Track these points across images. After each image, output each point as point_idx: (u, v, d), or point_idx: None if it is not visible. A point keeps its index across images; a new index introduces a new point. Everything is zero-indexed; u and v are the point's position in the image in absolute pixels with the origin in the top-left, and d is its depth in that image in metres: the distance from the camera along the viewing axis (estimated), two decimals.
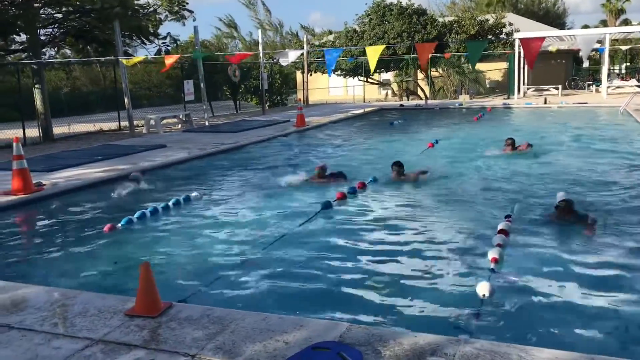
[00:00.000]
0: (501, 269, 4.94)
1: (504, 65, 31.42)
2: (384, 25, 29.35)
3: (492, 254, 5.13)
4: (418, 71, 31.51)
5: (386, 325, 3.91)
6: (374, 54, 12.18)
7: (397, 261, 5.38)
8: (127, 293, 4.28)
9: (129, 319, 3.71)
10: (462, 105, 23.50)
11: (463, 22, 29.79)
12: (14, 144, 8.38)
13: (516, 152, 10.91)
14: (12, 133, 15.63)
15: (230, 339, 3.39)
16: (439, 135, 14.18)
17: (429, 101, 26.70)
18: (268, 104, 28.11)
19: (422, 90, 31.40)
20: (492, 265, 4.96)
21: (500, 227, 5.89)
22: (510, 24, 30.46)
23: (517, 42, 25.61)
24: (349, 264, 5.33)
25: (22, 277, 4.99)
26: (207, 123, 19.24)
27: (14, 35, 16.60)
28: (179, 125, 19.37)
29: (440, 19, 30.85)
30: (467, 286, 4.62)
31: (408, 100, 30.80)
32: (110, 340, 3.43)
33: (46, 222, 7.48)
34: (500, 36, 29.79)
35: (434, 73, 30.89)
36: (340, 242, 6.01)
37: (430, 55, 26.63)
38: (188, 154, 11.91)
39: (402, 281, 4.88)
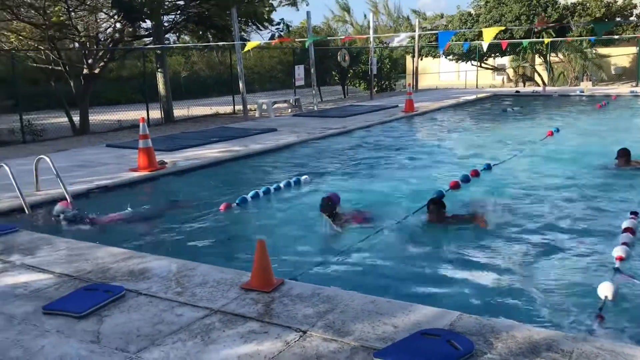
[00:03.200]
0: (626, 269, 4.63)
1: (632, 50, 29.07)
2: (501, 7, 28.15)
3: (618, 252, 4.78)
4: (536, 56, 29.97)
5: (498, 317, 3.80)
6: (488, 35, 11.72)
7: (513, 252, 5.20)
8: (240, 268, 4.48)
9: (244, 292, 3.89)
10: (583, 92, 22.06)
11: (588, 4, 27.86)
12: (141, 124, 8.98)
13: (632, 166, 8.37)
14: (136, 114, 16.77)
15: (339, 318, 3.46)
16: (558, 123, 13.45)
17: (547, 88, 25.32)
18: (376, 89, 28.00)
19: (540, 76, 29.85)
20: (617, 264, 4.64)
21: (625, 225, 5.49)
22: None
23: None
24: (461, 253, 5.23)
25: (147, 248, 5.37)
26: (315, 108, 19.52)
27: (141, 22, 17.67)
28: (289, 110, 19.82)
29: (562, 1, 29.04)
30: (587, 285, 4.37)
31: (524, 86, 29.42)
32: (227, 311, 3.62)
33: (168, 198, 7.98)
34: (630, 18, 27.54)
35: (553, 58, 29.20)
36: (452, 231, 5.90)
37: (550, 39, 25.23)
38: (297, 138, 12.17)
39: (516, 273, 4.72)
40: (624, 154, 8.33)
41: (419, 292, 4.42)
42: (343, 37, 30.99)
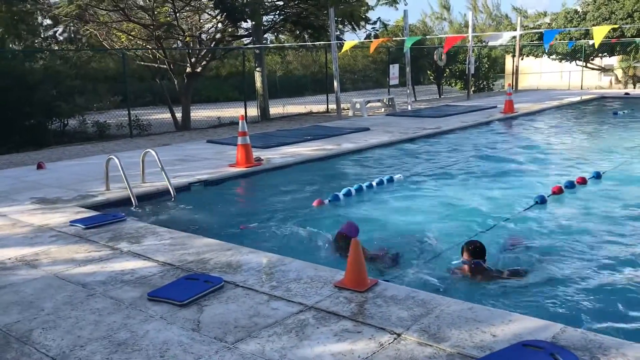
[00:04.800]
0: None
1: None
2: (612, 4, 26.47)
3: None
4: None
5: (606, 332, 3.56)
6: (599, 34, 11.05)
7: (622, 265, 4.87)
8: (331, 264, 4.50)
9: (337, 291, 3.90)
10: None
11: None
12: (240, 122, 9.25)
13: None
14: (234, 111, 17.34)
15: (435, 323, 3.38)
16: None
17: None
18: (473, 89, 27.24)
19: None
20: None
21: None
22: None
23: None
24: (563, 262, 4.97)
25: (242, 241, 5.51)
26: (409, 107, 19.29)
27: (242, 22, 18.25)
28: (382, 109, 19.71)
29: None
30: None
31: (634, 88, 27.54)
32: (321, 308, 3.64)
33: (263, 193, 8.17)
34: None
35: None
36: (554, 238, 5.62)
37: None
38: (390, 138, 12.07)
39: (627, 288, 4.41)
40: None
41: (522, 299, 4.23)
42: (441, 36, 30.39)
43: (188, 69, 17.36)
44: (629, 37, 25.75)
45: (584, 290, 4.38)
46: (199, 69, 17.65)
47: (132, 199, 6.96)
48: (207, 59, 17.98)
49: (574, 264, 4.94)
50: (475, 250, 4.65)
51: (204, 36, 19.13)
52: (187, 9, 17.61)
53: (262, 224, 6.39)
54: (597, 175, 8.01)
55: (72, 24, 18.62)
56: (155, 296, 3.88)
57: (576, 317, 3.92)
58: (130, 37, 17.39)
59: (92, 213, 6.30)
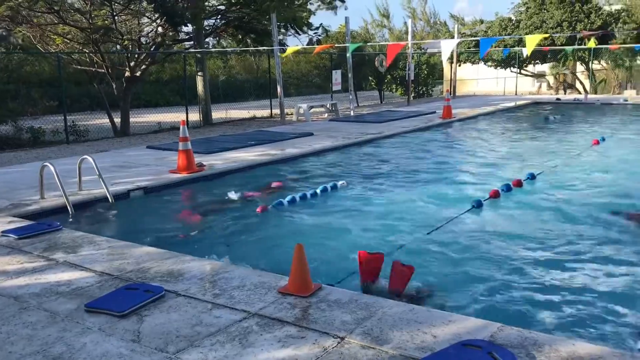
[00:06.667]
0: None
1: None
2: (543, 14, 27.66)
3: None
4: (578, 64, 29.34)
5: (541, 329, 3.70)
6: (531, 42, 11.54)
7: (552, 264, 5.08)
8: (276, 270, 4.49)
9: (282, 296, 3.89)
10: (627, 101, 21.48)
11: (633, 11, 27.14)
12: (181, 127, 9.10)
13: None
14: (175, 116, 17.04)
15: (377, 326, 3.42)
16: (604, 132, 13.13)
17: (589, 96, 24.74)
18: (413, 94, 27.82)
19: (582, 83, 29.20)
20: None
21: None
22: None
23: None
24: (500, 263, 5.13)
25: (183, 249, 5.41)
26: (352, 113, 19.50)
27: (182, 26, 17.99)
28: (326, 115, 19.84)
29: (607, 7, 28.36)
30: (636, 299, 4.23)
31: (565, 94, 28.82)
32: (264, 315, 3.62)
33: (205, 199, 8.06)
34: None
35: (595, 66, 28.55)
36: (490, 240, 5.80)
37: (594, 46, 24.68)
38: (334, 143, 12.16)
39: (559, 285, 4.60)
40: None
41: (461, 300, 4.34)
42: (383, 43, 30.90)
43: (127, 73, 16.94)
44: (559, 45, 26.97)
45: (521, 289, 4.54)
46: (138, 73, 17.26)
47: (68, 207, 6.73)
48: (147, 63, 17.59)
49: (511, 264, 5.11)
50: None
51: (143, 40, 18.73)
52: (126, 12, 17.20)
53: (205, 231, 6.30)
54: (532, 177, 8.34)
55: (3, 26, 17.83)
56: (93, 307, 3.76)
57: (513, 316, 4.05)
58: (66, 40, 16.82)
59: (26, 222, 6.04)
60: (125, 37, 17.34)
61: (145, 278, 4.33)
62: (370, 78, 30.07)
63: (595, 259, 5.19)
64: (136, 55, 17.31)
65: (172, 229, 6.46)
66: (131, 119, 17.10)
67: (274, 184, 8.49)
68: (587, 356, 3.04)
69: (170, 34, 18.58)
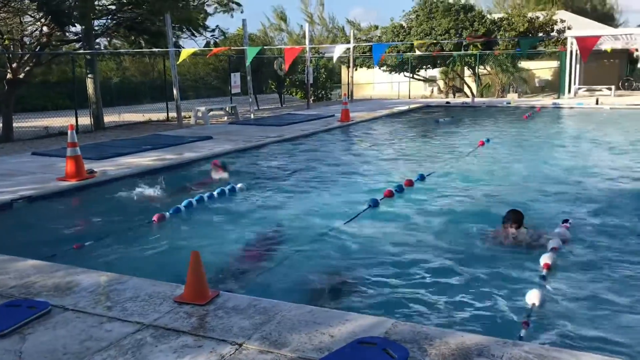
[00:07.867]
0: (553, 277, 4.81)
1: (554, 64, 30.64)
2: (431, 21, 29.03)
3: (545, 259, 4.97)
4: (465, 68, 31.06)
5: (432, 324, 3.87)
6: (419, 43, 12.15)
7: (443, 261, 5.32)
8: (175, 280, 4.36)
9: (178, 306, 3.79)
10: (510, 103, 23.04)
11: (512, 19, 29.18)
12: (69, 132, 8.64)
13: None
14: (65, 121, 16.14)
15: (276, 330, 3.43)
16: (489, 133, 13.98)
17: (476, 99, 26.27)
18: (312, 98, 28.18)
19: (469, 87, 30.93)
20: (543, 272, 4.82)
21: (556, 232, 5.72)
22: (562, 21, 29.70)
23: (569, 40, 24.98)
24: (394, 262, 5.31)
25: (74, 261, 5.14)
26: (252, 116, 19.42)
27: (70, 26, 17.07)
28: (225, 118, 19.61)
29: (489, 16, 30.27)
30: (516, 291, 4.52)
31: (454, 97, 30.38)
32: (160, 326, 3.51)
33: (97, 208, 7.69)
34: (552, 34, 29.04)
35: (481, 70, 30.37)
36: (386, 239, 5.99)
37: (478, 52, 26.27)
38: (234, 146, 12.05)
39: (448, 281, 4.83)
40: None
41: (357, 299, 4.44)
42: (281, 47, 31.06)
43: (9, 75, 15.82)
44: (447, 51, 28.45)
45: (414, 286, 4.72)
46: (21, 75, 16.17)
47: None
48: (31, 64, 16.52)
49: (406, 261, 5.30)
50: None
51: (27, 40, 17.57)
52: (5, 9, 16.04)
53: (97, 241, 6.02)
54: (422, 178, 8.72)
55: None
56: None
57: (406, 312, 4.21)
58: None
59: None
60: (5, 36, 16.19)
61: (29, 293, 4.06)
62: (270, 81, 30.09)
63: (479, 257, 5.50)
64: (18, 56, 16.21)
65: (61, 240, 6.09)
66: (15, 124, 15.99)
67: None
68: (474, 346, 3.21)
69: (57, 34, 17.59)
